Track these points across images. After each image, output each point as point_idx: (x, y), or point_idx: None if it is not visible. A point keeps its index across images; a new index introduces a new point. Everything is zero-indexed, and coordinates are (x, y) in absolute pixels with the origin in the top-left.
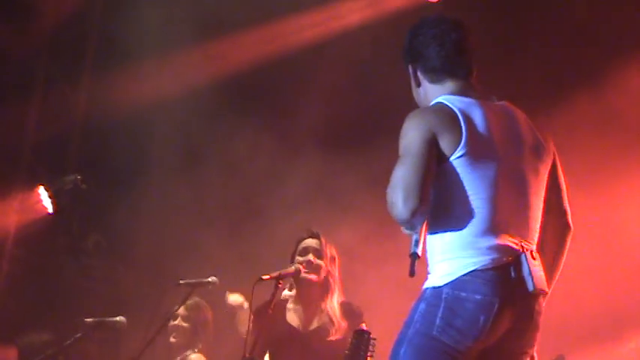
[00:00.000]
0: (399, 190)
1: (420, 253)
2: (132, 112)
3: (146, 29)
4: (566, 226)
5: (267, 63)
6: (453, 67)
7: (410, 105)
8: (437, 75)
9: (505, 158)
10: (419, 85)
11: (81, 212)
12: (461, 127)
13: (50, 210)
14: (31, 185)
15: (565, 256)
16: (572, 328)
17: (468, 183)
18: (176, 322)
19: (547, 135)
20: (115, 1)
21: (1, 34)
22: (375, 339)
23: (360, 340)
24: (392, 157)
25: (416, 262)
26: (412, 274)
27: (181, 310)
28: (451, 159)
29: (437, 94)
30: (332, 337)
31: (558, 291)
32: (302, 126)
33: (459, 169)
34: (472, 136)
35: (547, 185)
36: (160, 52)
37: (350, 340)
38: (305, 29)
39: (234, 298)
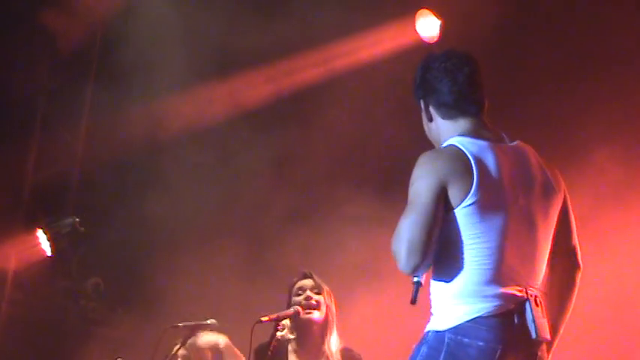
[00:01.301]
0: (404, 244)
1: (422, 282)
2: (130, 155)
3: (145, 70)
4: (575, 266)
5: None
6: (466, 102)
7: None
8: (449, 111)
9: (515, 205)
10: (431, 120)
11: (79, 255)
12: (472, 175)
13: (49, 253)
14: (30, 228)
15: (575, 295)
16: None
17: (475, 231)
18: None
19: (557, 173)
20: (113, 42)
21: (1, 76)
22: None
23: None
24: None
25: (419, 290)
26: (414, 301)
27: (181, 351)
28: (460, 207)
29: (449, 131)
30: None
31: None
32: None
33: (467, 218)
34: (483, 184)
35: (556, 224)
36: (159, 93)
37: None
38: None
39: (207, 339)
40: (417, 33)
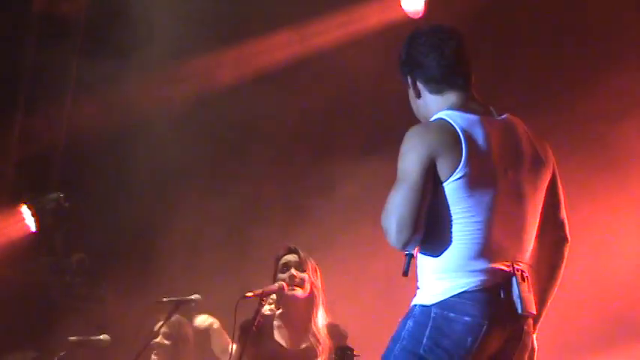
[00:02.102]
0: (393, 220)
1: (414, 254)
2: (114, 130)
3: (129, 47)
4: (563, 239)
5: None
6: (454, 76)
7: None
8: (438, 85)
9: (503, 179)
10: (419, 96)
11: (64, 231)
12: (461, 148)
13: (33, 228)
14: (14, 204)
15: (563, 268)
16: (568, 340)
17: (463, 205)
18: (157, 340)
19: (547, 146)
20: (99, 16)
21: None
22: (358, 355)
23: (344, 357)
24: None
25: (410, 262)
26: (405, 273)
27: (163, 328)
28: (449, 181)
29: (438, 105)
30: (319, 358)
31: (553, 302)
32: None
33: (455, 192)
34: (471, 158)
35: (545, 197)
36: (142, 70)
37: (333, 357)
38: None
39: (202, 320)
40: (402, 8)
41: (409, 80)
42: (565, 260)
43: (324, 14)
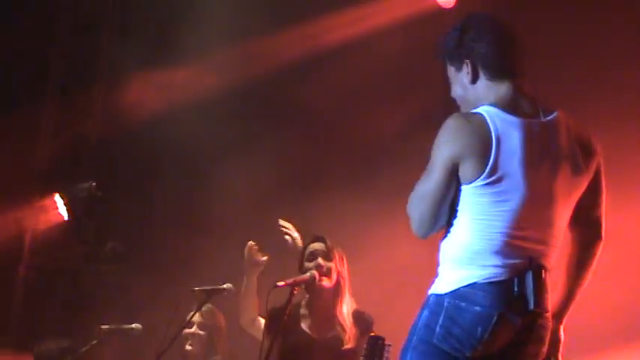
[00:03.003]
0: (416, 215)
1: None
2: (147, 119)
3: (160, 37)
4: (596, 236)
5: (288, 69)
6: (511, 66)
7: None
8: (495, 72)
9: (534, 187)
10: (475, 80)
11: (96, 219)
12: (490, 153)
13: (66, 217)
14: (47, 193)
15: (594, 265)
16: (585, 335)
17: (485, 210)
18: (192, 330)
19: (593, 144)
20: (128, 10)
21: (16, 43)
22: (390, 345)
23: (375, 346)
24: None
25: None
26: None
27: (197, 318)
28: (473, 185)
29: (488, 93)
30: (346, 346)
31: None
32: (326, 137)
33: (478, 196)
34: (499, 164)
35: (584, 194)
36: (174, 59)
37: (365, 346)
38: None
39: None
40: None
41: (466, 64)
42: (596, 258)
43: (358, 3)
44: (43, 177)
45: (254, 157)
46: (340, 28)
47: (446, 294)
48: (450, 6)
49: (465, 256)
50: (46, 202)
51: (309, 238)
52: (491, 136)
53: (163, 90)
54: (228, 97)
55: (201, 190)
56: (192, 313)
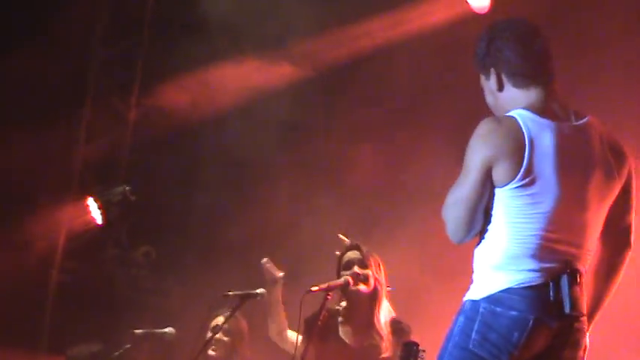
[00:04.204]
0: (451, 220)
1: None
2: (182, 123)
3: (195, 42)
4: (626, 244)
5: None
6: (539, 72)
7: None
8: (523, 79)
9: (567, 189)
10: (501, 89)
11: (130, 223)
12: (524, 155)
13: (100, 221)
14: (81, 197)
15: (622, 273)
16: (619, 341)
17: (520, 213)
18: (217, 336)
19: (624, 151)
20: (164, 16)
21: (52, 48)
22: (424, 351)
23: (410, 353)
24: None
25: None
26: None
27: (220, 320)
28: (506, 188)
29: (518, 100)
30: (383, 355)
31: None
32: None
33: (513, 199)
34: (534, 166)
35: (614, 201)
36: (210, 63)
37: (399, 353)
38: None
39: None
40: (467, 3)
41: (492, 72)
42: (624, 265)
43: (392, 9)
44: (77, 181)
45: (295, 166)
46: (376, 33)
47: (481, 299)
48: (485, 11)
49: (500, 260)
50: (81, 206)
51: (344, 246)
52: (524, 138)
53: (199, 95)
54: (266, 102)
55: (236, 195)
56: (221, 317)
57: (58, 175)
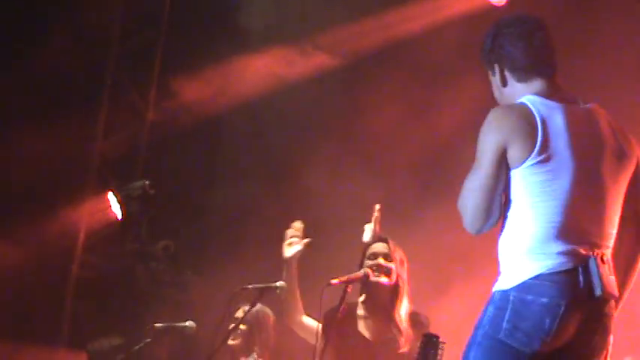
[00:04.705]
0: (468, 208)
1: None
2: (200, 117)
3: (212, 35)
4: None
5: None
6: (541, 65)
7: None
8: (525, 74)
9: (582, 166)
10: (505, 84)
11: (150, 218)
12: (537, 135)
13: (119, 216)
14: (101, 191)
15: None
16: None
17: (540, 190)
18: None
19: (632, 140)
20: (183, 8)
21: (70, 42)
22: (444, 343)
23: (429, 344)
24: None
25: None
26: None
27: (240, 313)
28: (523, 167)
29: (523, 93)
30: (402, 349)
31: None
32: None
33: (530, 177)
34: (547, 144)
35: (628, 188)
36: (227, 57)
37: (419, 344)
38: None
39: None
40: None
41: (496, 68)
42: None
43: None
44: (97, 176)
45: (313, 163)
46: (385, 29)
47: (511, 288)
48: (502, 3)
49: (528, 245)
50: (100, 200)
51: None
52: (536, 119)
53: (218, 89)
54: (287, 95)
55: (254, 191)
56: (246, 311)
57: (76, 171)
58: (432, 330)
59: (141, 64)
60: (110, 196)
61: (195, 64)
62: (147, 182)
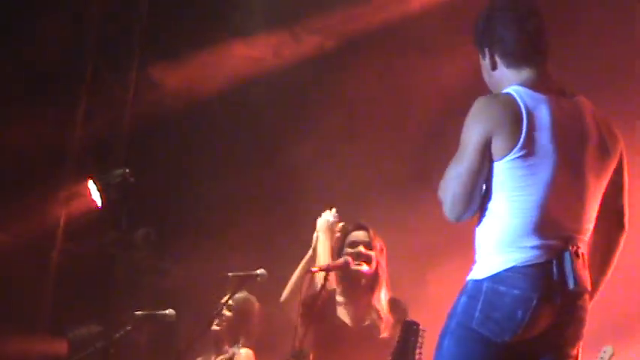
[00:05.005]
0: (449, 195)
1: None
2: (180, 104)
3: (193, 20)
4: (620, 226)
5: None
6: (532, 53)
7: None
8: (515, 60)
9: (564, 160)
10: (494, 68)
11: (130, 205)
12: (522, 127)
13: (99, 203)
14: (80, 179)
15: (617, 256)
16: (617, 321)
17: (518, 184)
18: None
19: (616, 133)
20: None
21: (49, 29)
22: (424, 330)
23: (410, 332)
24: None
25: None
26: None
27: (229, 302)
28: (506, 160)
29: (511, 79)
30: (382, 335)
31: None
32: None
33: (512, 171)
34: (531, 137)
35: (608, 183)
36: (209, 43)
37: (399, 331)
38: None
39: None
40: None
41: (486, 52)
42: (619, 249)
43: None
44: (77, 163)
45: (297, 151)
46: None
47: (485, 279)
48: None
49: (502, 238)
50: (80, 188)
51: (351, 225)
52: (521, 110)
53: (200, 75)
54: (266, 83)
55: (235, 178)
56: (226, 299)
57: (56, 158)
58: (411, 317)
59: (121, 51)
60: (90, 183)
61: (176, 51)
62: (127, 170)
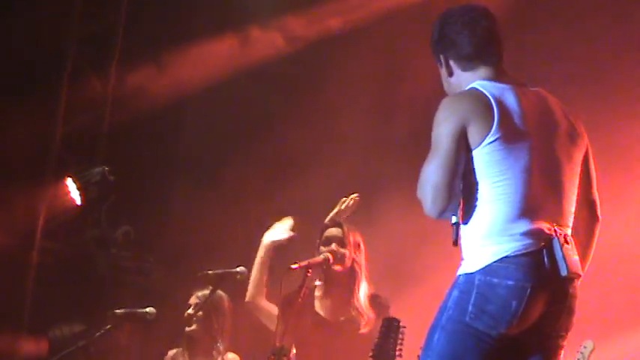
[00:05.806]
0: (428, 190)
1: (460, 222)
2: (162, 102)
3: (174, 17)
4: (594, 218)
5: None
6: (485, 54)
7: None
8: (470, 62)
9: (538, 144)
10: (451, 74)
11: (109, 204)
12: (493, 113)
13: (78, 202)
14: (60, 177)
15: (594, 247)
16: (598, 316)
17: (499, 169)
18: (191, 311)
19: (580, 123)
20: None
21: (29, 25)
22: (404, 327)
23: (390, 328)
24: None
25: (459, 231)
26: (455, 243)
27: (193, 299)
28: (482, 146)
29: (470, 80)
30: (362, 330)
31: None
32: (342, 119)
33: (490, 156)
34: (504, 122)
35: (580, 175)
36: (189, 41)
37: (379, 328)
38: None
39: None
40: None
41: (442, 59)
42: (596, 239)
43: None
44: (57, 161)
45: (270, 142)
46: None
47: (476, 272)
48: None
49: (490, 228)
50: (59, 186)
51: (329, 221)
52: (490, 100)
53: (180, 73)
54: (246, 80)
55: (214, 176)
56: (200, 297)
57: (36, 156)
58: (394, 313)
59: (101, 49)
60: (69, 182)
61: (157, 47)
62: (106, 168)
